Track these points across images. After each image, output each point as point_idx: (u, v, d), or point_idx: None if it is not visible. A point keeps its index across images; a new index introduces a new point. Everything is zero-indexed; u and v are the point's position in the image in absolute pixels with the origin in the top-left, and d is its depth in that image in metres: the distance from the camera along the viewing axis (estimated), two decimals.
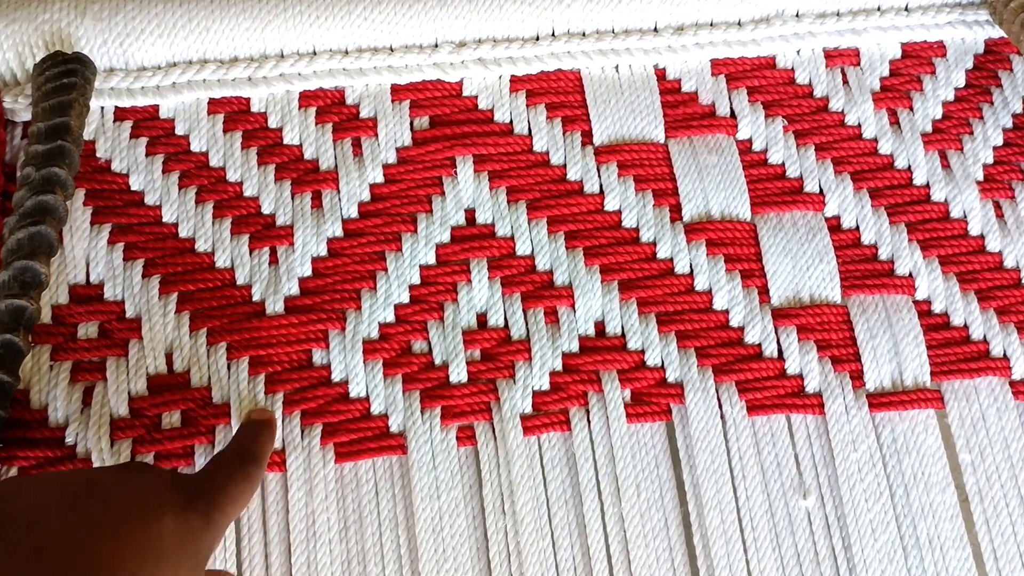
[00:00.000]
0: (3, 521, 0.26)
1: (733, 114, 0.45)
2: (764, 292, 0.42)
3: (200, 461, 0.38)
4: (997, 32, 0.46)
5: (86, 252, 0.41)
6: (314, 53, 0.44)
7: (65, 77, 0.40)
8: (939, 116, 0.45)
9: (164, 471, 0.30)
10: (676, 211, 0.43)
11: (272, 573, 0.37)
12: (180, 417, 0.39)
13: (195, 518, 0.28)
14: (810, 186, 0.44)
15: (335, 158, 0.44)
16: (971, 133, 0.45)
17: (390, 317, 0.41)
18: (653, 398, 0.40)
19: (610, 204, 0.43)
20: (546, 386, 0.40)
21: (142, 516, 0.27)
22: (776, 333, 0.41)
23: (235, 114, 0.44)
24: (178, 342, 0.40)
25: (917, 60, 0.47)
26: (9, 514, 0.26)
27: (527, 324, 0.41)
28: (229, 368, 0.40)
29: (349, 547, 0.38)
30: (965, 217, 0.44)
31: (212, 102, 0.44)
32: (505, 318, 0.41)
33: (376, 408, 0.39)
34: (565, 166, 0.44)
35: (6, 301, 0.36)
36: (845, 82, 0.46)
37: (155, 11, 0.43)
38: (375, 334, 0.41)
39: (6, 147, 0.42)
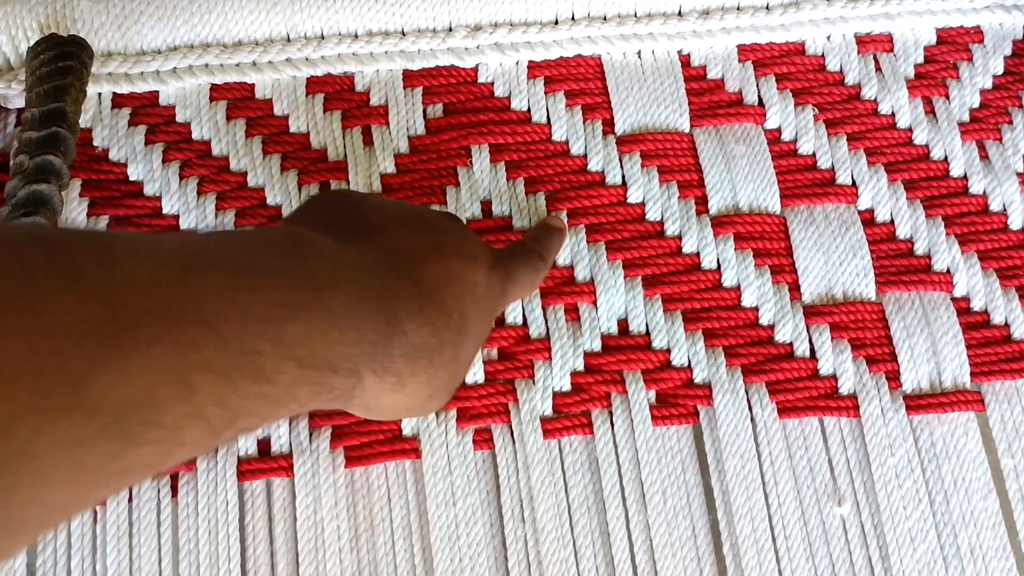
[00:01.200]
0: (362, 212, 0.28)
1: (761, 102, 0.43)
2: (795, 289, 0.40)
3: (203, 467, 0.36)
4: None
5: None
6: (322, 37, 0.42)
7: (61, 60, 0.38)
8: (976, 105, 0.43)
9: (472, 233, 0.33)
10: (702, 203, 0.41)
11: None
12: None
13: (496, 281, 0.30)
14: (842, 177, 0.42)
15: (344, 147, 0.42)
16: (1010, 122, 0.43)
17: None
18: (680, 400, 0.38)
19: (633, 196, 0.41)
20: (567, 387, 0.38)
21: (464, 259, 0.29)
22: (808, 332, 0.39)
23: (239, 101, 0.42)
24: None
25: (953, 46, 0.44)
26: (365, 212, 0.29)
27: (547, 322, 0.39)
28: None
29: (360, 557, 0.36)
30: (1005, 210, 0.42)
31: (214, 88, 0.42)
32: (523, 315, 0.39)
33: None
34: (586, 156, 0.42)
35: None
36: (878, 69, 0.44)
37: None
38: None
39: None
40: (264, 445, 0.37)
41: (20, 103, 0.41)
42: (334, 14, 0.42)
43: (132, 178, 0.41)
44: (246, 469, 0.36)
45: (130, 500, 0.36)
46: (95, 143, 0.41)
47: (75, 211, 0.39)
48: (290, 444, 0.37)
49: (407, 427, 0.37)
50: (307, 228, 0.26)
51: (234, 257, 0.22)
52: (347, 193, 0.30)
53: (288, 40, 0.42)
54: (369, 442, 0.37)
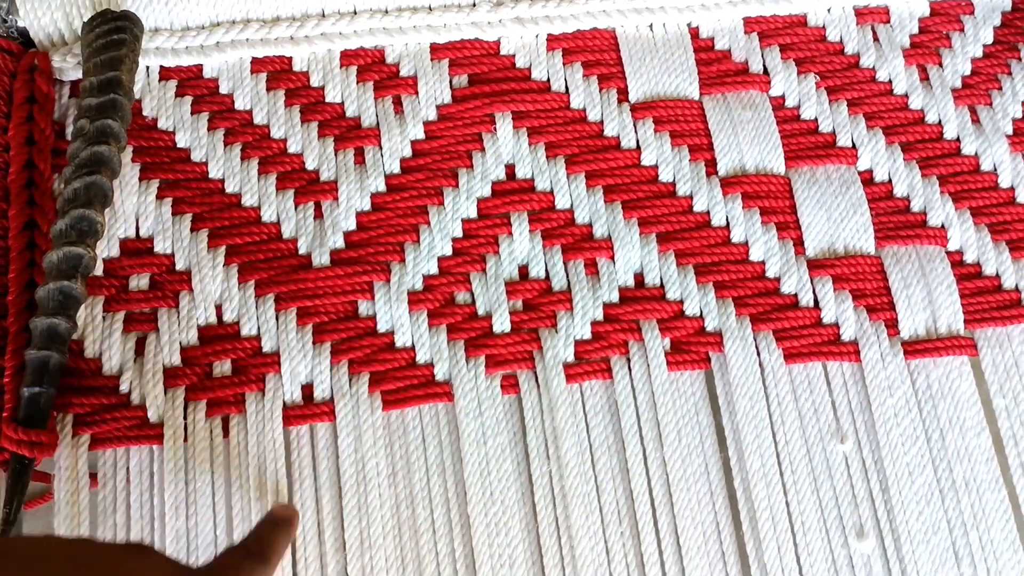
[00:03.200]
0: None
1: (766, 71, 0.46)
2: (799, 244, 0.43)
3: (252, 409, 0.39)
4: None
5: (135, 207, 0.42)
6: (355, 12, 0.45)
7: (115, 34, 0.41)
8: (968, 72, 0.46)
9: (168, 561, 0.28)
10: (711, 165, 0.44)
11: (323, 515, 0.38)
12: (231, 366, 0.40)
13: None
14: (843, 140, 0.45)
15: (376, 115, 0.44)
16: (1000, 88, 0.46)
17: (434, 269, 0.42)
18: (692, 346, 0.41)
19: (647, 159, 0.44)
20: (587, 335, 0.41)
21: None
22: (812, 283, 0.42)
23: (278, 73, 0.45)
24: (227, 294, 0.41)
25: (946, 18, 0.47)
26: None
27: (568, 275, 0.42)
28: (278, 319, 0.40)
29: (398, 491, 0.38)
30: (995, 170, 0.44)
31: (255, 61, 0.45)
32: (546, 269, 0.42)
33: (421, 357, 0.40)
34: (602, 122, 0.44)
35: (63, 249, 0.37)
36: (875, 39, 0.47)
37: None
38: (419, 285, 0.41)
39: (55, 104, 0.43)
40: (308, 390, 0.40)
41: (75, 75, 0.44)
42: None
43: (180, 145, 0.43)
44: (291, 415, 0.39)
45: (185, 440, 0.38)
46: (144, 113, 0.44)
47: (128, 175, 0.42)
48: (331, 388, 0.39)
49: (440, 373, 0.40)
50: None
51: None
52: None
53: (323, 15, 0.45)
54: (405, 387, 0.40)
